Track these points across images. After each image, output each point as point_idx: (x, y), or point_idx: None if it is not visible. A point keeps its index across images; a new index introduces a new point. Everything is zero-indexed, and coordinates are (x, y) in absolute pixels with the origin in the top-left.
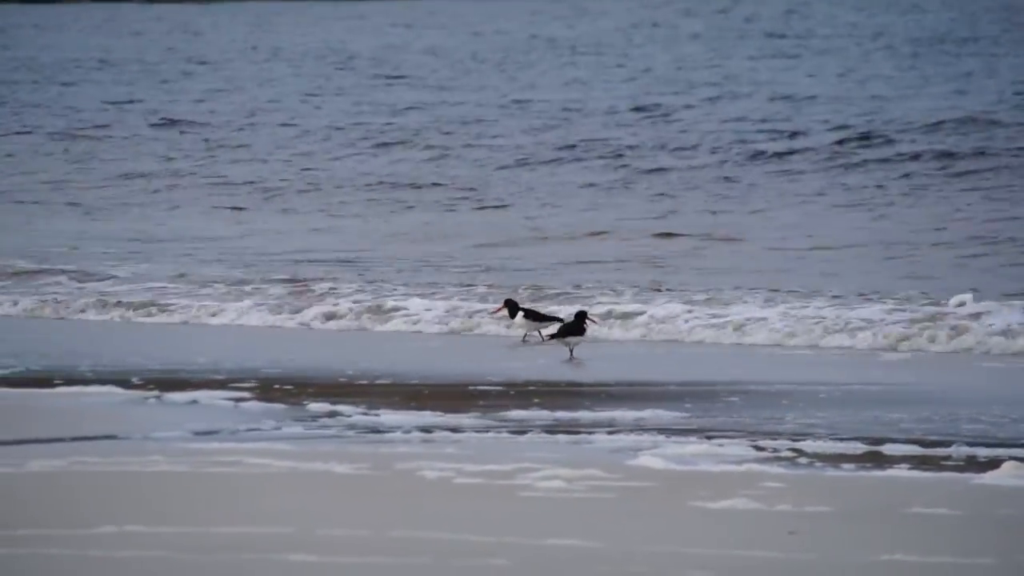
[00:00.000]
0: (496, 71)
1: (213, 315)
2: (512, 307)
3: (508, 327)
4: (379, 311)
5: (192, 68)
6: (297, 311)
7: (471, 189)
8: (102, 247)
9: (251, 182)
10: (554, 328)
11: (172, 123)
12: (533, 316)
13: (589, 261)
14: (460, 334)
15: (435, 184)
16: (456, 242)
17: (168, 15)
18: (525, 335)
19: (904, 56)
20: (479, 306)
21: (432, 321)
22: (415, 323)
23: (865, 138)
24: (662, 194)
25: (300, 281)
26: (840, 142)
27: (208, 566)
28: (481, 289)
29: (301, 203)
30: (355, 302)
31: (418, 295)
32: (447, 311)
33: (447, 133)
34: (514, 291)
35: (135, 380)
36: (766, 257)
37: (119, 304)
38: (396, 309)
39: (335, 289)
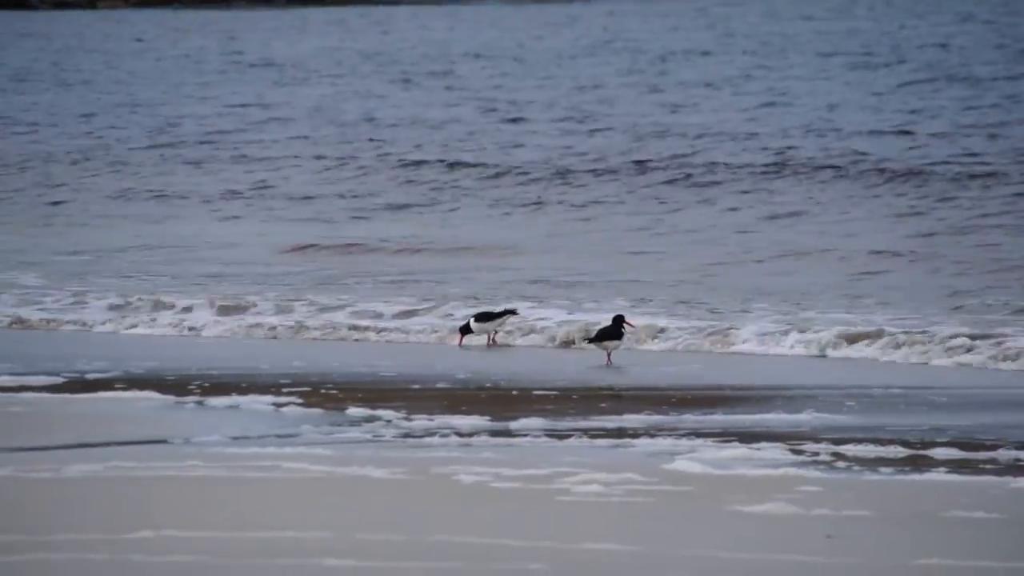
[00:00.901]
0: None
1: (274, 325)
2: (464, 328)
3: (477, 337)
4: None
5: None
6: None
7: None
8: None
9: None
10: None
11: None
12: (486, 317)
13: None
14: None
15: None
16: (465, 253)
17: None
18: (489, 337)
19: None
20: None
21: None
22: (453, 331)
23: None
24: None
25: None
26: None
27: (246, 570)
28: (515, 300)
29: (292, 215)
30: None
31: (460, 305)
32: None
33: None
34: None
35: (175, 384)
36: (781, 266)
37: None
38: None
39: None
